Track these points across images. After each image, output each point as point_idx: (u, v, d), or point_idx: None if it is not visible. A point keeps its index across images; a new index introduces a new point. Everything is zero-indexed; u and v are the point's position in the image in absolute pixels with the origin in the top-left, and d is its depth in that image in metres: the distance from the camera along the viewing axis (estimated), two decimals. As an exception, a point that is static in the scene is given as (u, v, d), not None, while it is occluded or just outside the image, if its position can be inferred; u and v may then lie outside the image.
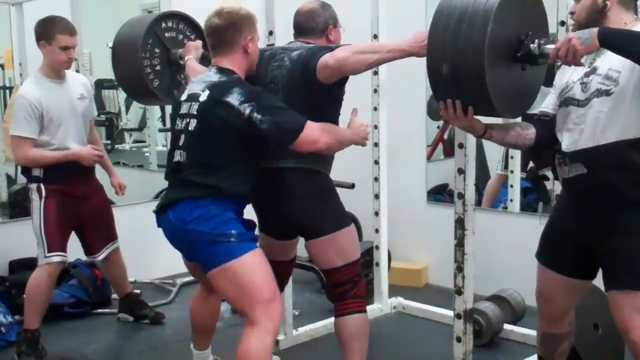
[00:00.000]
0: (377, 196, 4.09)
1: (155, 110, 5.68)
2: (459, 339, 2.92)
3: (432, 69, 2.35)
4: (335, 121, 2.85)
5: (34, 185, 3.62)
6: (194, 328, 3.19)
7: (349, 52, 2.63)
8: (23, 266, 4.25)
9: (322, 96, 2.77)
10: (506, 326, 3.80)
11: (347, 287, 2.88)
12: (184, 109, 2.73)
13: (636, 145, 2.29)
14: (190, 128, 2.67)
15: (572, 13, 2.48)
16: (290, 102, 2.71)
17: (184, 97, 2.76)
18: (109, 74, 5.87)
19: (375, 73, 3.88)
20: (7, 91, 5.03)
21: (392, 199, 4.19)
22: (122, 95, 6.04)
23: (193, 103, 2.69)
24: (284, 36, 3.47)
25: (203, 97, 2.66)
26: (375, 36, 3.87)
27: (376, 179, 4.08)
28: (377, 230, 4.13)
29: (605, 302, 2.51)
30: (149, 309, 4.24)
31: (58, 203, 3.62)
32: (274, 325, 2.61)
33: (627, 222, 2.32)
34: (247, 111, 2.57)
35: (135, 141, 6.46)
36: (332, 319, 2.98)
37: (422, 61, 4.89)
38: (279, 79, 2.83)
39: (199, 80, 2.76)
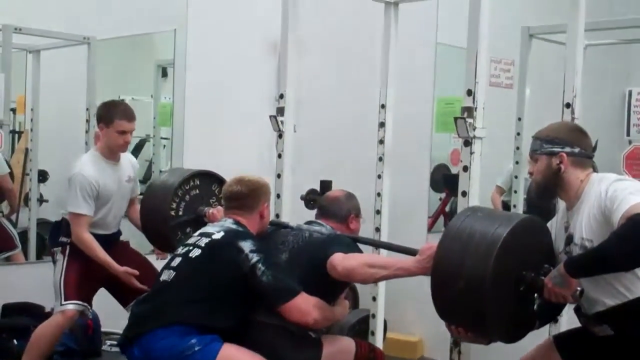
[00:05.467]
0: (376, 264, 4.07)
1: (161, 163, 5.72)
2: (451, 416, 2.87)
3: (436, 298, 2.40)
4: (328, 302, 2.86)
5: (58, 248, 3.68)
6: None
7: (360, 263, 2.72)
8: (16, 310, 4.22)
9: (326, 280, 2.81)
10: (499, 406, 3.73)
11: None
12: (191, 240, 2.83)
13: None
14: (190, 255, 2.75)
15: (530, 173, 2.56)
16: (291, 266, 2.83)
17: (196, 233, 2.89)
18: (118, 125, 5.97)
19: (382, 142, 3.91)
20: (17, 135, 5.07)
21: (391, 268, 4.16)
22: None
23: (203, 238, 2.80)
24: (294, 99, 3.53)
25: (217, 235, 2.78)
26: (383, 106, 3.91)
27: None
28: (374, 299, 4.10)
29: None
30: None
31: (82, 259, 3.63)
32: None
33: None
34: (254, 259, 2.67)
35: (140, 194, 6.48)
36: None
37: (428, 131, 4.95)
38: (291, 243, 2.96)
39: (215, 225, 2.91)
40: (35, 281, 4.18)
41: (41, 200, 5.02)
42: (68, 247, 3.65)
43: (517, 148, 4.62)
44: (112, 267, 3.61)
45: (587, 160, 2.50)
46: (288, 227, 3.10)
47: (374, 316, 4.11)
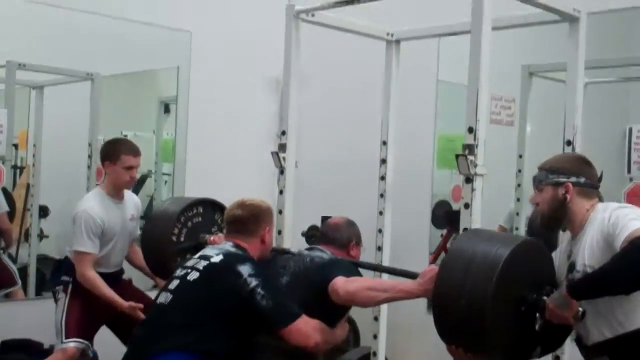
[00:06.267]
0: (377, 301, 4.05)
1: (162, 199, 5.71)
2: None
3: (437, 318, 2.40)
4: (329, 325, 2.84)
5: (60, 287, 3.67)
6: None
7: (361, 287, 2.73)
8: (15, 347, 4.19)
9: (326, 303, 2.80)
10: None
11: None
12: (189, 263, 2.81)
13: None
14: (188, 278, 2.73)
15: (536, 204, 2.57)
16: (292, 289, 2.83)
17: (195, 255, 2.86)
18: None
19: (383, 178, 3.92)
20: (18, 170, 5.08)
21: (391, 305, 4.14)
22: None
23: (202, 260, 2.77)
24: (296, 137, 3.54)
25: (215, 259, 2.75)
26: (384, 142, 3.93)
27: (377, 284, 4.05)
28: (375, 337, 4.07)
29: None
30: None
31: (84, 298, 3.62)
32: None
33: None
34: (253, 284, 2.65)
35: (141, 229, 6.47)
36: None
37: (429, 167, 4.95)
38: (292, 267, 2.96)
39: (215, 247, 2.90)
40: (34, 318, 4.15)
41: (41, 235, 5.01)
42: (70, 285, 3.64)
43: (519, 185, 4.62)
44: (117, 303, 3.59)
45: (592, 190, 2.51)
46: (289, 252, 3.11)
47: (375, 354, 4.09)
